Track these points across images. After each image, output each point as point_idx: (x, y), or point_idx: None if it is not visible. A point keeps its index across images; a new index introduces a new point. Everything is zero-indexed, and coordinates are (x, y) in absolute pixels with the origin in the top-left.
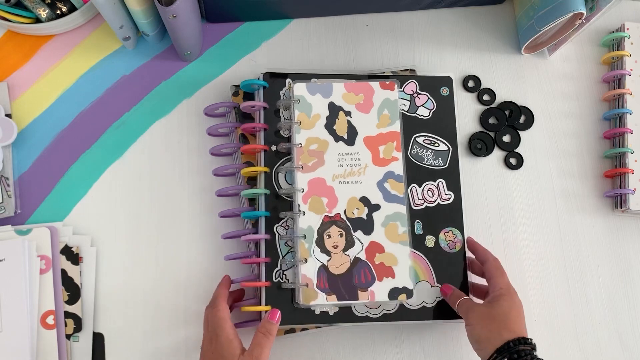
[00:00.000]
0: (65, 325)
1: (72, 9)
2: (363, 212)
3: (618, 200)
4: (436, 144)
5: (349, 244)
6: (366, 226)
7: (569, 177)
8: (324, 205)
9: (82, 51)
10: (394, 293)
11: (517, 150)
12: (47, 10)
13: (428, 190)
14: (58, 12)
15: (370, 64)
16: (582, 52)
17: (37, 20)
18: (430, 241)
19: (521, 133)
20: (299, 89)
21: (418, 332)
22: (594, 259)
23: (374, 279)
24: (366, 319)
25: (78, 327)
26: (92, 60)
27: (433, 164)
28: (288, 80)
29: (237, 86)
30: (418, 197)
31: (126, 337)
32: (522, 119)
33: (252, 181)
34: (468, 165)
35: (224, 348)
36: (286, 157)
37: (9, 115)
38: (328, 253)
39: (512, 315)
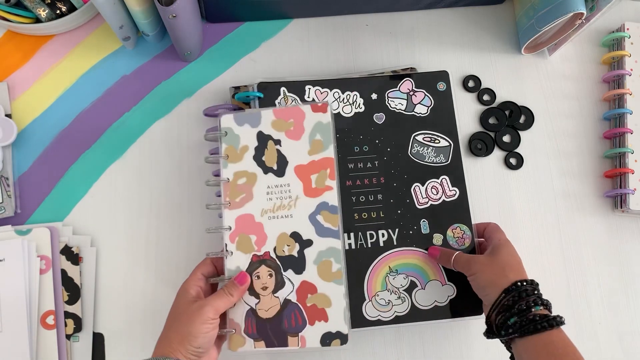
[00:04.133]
0: (65, 325)
1: (72, 9)
2: (294, 249)
3: (618, 200)
4: (436, 141)
5: (279, 284)
6: (297, 264)
7: (569, 177)
8: (252, 244)
9: (82, 51)
10: (326, 339)
11: (517, 150)
12: (47, 10)
13: (432, 188)
14: (58, 12)
15: (370, 64)
16: (582, 52)
17: (37, 20)
18: (438, 239)
19: (521, 133)
20: (226, 121)
21: (418, 332)
22: (594, 259)
23: (305, 323)
24: (378, 322)
25: (78, 327)
26: (92, 60)
27: (435, 161)
28: (283, 89)
29: (237, 87)
30: (422, 195)
31: (126, 337)
32: (522, 119)
33: None
34: (468, 165)
35: (179, 295)
36: None
37: (9, 115)
38: (257, 295)
39: (514, 261)
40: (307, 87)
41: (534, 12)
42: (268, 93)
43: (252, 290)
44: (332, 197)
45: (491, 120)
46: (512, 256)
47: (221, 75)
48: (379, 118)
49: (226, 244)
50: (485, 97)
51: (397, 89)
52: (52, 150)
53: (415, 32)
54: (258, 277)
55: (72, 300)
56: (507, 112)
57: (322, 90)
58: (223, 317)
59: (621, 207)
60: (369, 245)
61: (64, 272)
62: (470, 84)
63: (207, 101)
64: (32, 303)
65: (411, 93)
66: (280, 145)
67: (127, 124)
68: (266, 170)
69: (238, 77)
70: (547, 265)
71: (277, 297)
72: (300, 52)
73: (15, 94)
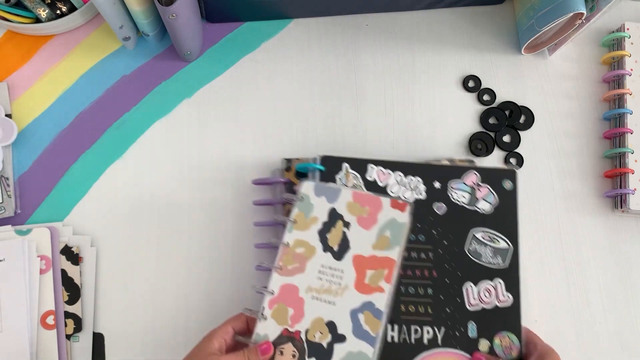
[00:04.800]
0: (65, 325)
1: (72, 9)
2: (325, 339)
3: (618, 200)
4: (496, 241)
5: None
6: (323, 356)
7: (569, 177)
8: (287, 317)
9: (82, 51)
10: None
11: (517, 150)
12: (47, 10)
13: (485, 290)
14: (58, 12)
15: (370, 63)
16: (582, 52)
17: (37, 20)
18: (484, 345)
19: (521, 133)
20: (307, 187)
21: None
22: (594, 259)
23: None
24: None
25: (78, 327)
26: (92, 60)
27: (491, 262)
28: (345, 165)
29: (289, 160)
30: (473, 296)
31: (126, 337)
32: (522, 119)
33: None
34: None
35: (203, 341)
36: None
37: (9, 115)
38: None
39: None
40: (369, 165)
41: (534, 12)
42: (330, 167)
43: None
44: (381, 300)
45: (491, 120)
46: None
47: (221, 75)
48: (439, 208)
49: (263, 307)
50: (485, 97)
51: (462, 180)
52: (52, 150)
53: (415, 32)
54: (281, 352)
55: (72, 300)
56: (507, 112)
57: (385, 171)
58: None
59: (621, 207)
60: (412, 342)
61: (64, 272)
62: (470, 84)
63: (207, 101)
64: (32, 303)
65: (475, 187)
66: (348, 229)
67: (127, 124)
68: (326, 248)
69: (238, 76)
70: (547, 265)
71: None
72: (300, 52)
73: (15, 94)
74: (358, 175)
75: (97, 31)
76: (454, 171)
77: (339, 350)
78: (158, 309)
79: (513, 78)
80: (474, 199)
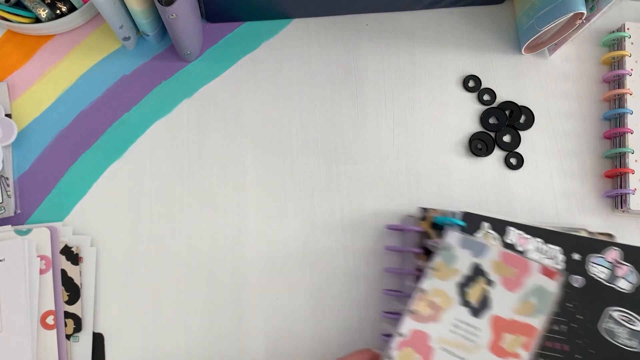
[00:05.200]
0: (65, 325)
1: (72, 9)
2: None
3: (618, 201)
4: (633, 323)
5: None
6: None
7: (569, 177)
8: None
9: (82, 51)
10: None
11: (517, 150)
12: (47, 10)
13: None
14: (58, 12)
15: (370, 63)
16: (582, 52)
17: (37, 20)
18: None
19: (521, 133)
20: (452, 238)
21: None
22: None
23: None
24: None
25: (78, 327)
26: (92, 60)
27: (627, 344)
28: (485, 224)
29: (426, 209)
30: None
31: (126, 337)
32: (522, 119)
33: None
34: (468, 165)
35: None
36: None
37: (9, 115)
38: None
39: None
40: (510, 228)
41: (534, 12)
42: (470, 224)
43: None
44: None
45: (491, 120)
46: None
47: (221, 75)
48: (576, 281)
49: (392, 349)
50: (486, 97)
51: (602, 255)
52: (52, 150)
53: (415, 32)
54: None
55: (72, 300)
56: (507, 112)
57: (525, 236)
58: None
59: (621, 208)
60: None
61: (64, 272)
62: (470, 84)
63: (207, 101)
64: (32, 303)
65: (616, 264)
66: (491, 288)
67: (127, 124)
68: (464, 303)
69: (238, 77)
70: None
71: None
72: (300, 52)
73: (15, 94)
74: (497, 237)
75: (97, 31)
76: (595, 245)
77: None
78: (158, 309)
79: (513, 78)
80: (613, 276)
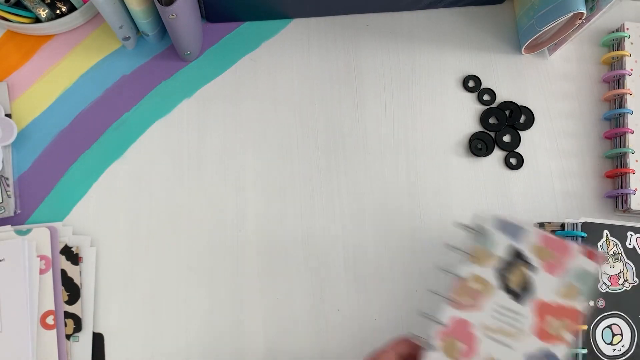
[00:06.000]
0: (65, 325)
1: (72, 9)
2: None
3: (619, 201)
4: None
5: None
6: None
7: (570, 177)
8: (458, 353)
9: (82, 51)
10: None
11: (517, 150)
12: (47, 10)
13: None
14: (58, 12)
15: (370, 63)
16: (582, 52)
17: (37, 20)
18: None
19: (521, 133)
20: (490, 222)
21: None
22: None
23: None
24: None
25: (78, 327)
26: (92, 60)
27: None
28: (605, 232)
29: (542, 224)
30: None
31: (126, 337)
32: (522, 119)
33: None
34: (468, 165)
35: None
36: (604, 315)
37: (9, 115)
38: None
39: None
40: (629, 233)
41: (534, 12)
42: (590, 234)
43: None
44: (562, 351)
45: (491, 120)
46: None
47: (221, 75)
48: None
49: (433, 338)
50: (486, 97)
51: None
52: (52, 150)
53: (415, 32)
54: None
55: (72, 300)
56: (507, 112)
57: None
58: None
59: (622, 208)
60: None
61: (63, 272)
62: (470, 84)
63: (207, 101)
64: (32, 303)
65: None
66: (533, 272)
67: (127, 124)
68: (506, 289)
69: (238, 77)
70: None
71: None
72: (300, 52)
73: (15, 94)
74: (618, 243)
75: (97, 31)
76: None
77: None
78: (158, 309)
79: (513, 78)
80: None
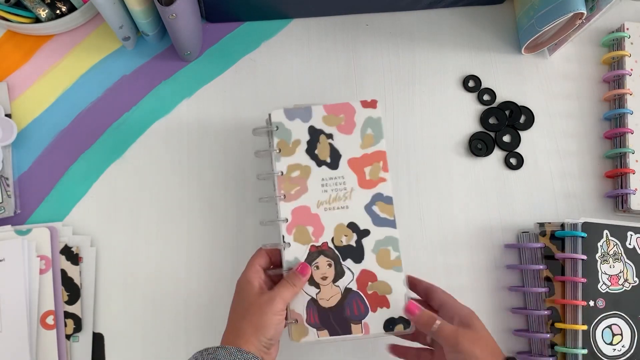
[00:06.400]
0: (65, 326)
1: (72, 9)
2: (352, 239)
3: (619, 201)
4: None
5: (339, 274)
6: (356, 254)
7: (570, 178)
8: (310, 235)
9: (82, 51)
10: (389, 324)
11: (517, 150)
12: (46, 10)
13: None
14: (58, 12)
15: (370, 63)
16: (582, 52)
17: (37, 20)
18: None
19: (521, 133)
20: (277, 115)
21: None
22: None
23: (367, 310)
24: None
25: (78, 327)
26: (92, 60)
27: None
28: (606, 232)
29: (542, 224)
30: None
31: (126, 337)
32: (522, 119)
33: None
34: (468, 165)
35: (243, 287)
36: (604, 315)
37: (9, 115)
38: (317, 285)
39: (489, 334)
40: (629, 233)
41: (534, 12)
42: (590, 233)
43: (311, 281)
44: (387, 188)
45: (491, 120)
46: (484, 327)
47: (221, 75)
48: None
49: (283, 236)
50: (486, 97)
51: None
52: (52, 150)
53: (415, 32)
54: (317, 267)
55: (72, 300)
56: (507, 112)
57: None
58: None
59: (622, 208)
60: None
61: (63, 272)
62: (470, 84)
63: (207, 101)
64: (32, 303)
65: None
66: (333, 139)
67: (127, 124)
68: (320, 163)
69: (238, 77)
70: None
71: (338, 286)
72: (300, 52)
73: (15, 94)
74: (618, 242)
75: (97, 31)
76: None
77: (367, 243)
78: (158, 309)
79: (513, 78)
80: None
